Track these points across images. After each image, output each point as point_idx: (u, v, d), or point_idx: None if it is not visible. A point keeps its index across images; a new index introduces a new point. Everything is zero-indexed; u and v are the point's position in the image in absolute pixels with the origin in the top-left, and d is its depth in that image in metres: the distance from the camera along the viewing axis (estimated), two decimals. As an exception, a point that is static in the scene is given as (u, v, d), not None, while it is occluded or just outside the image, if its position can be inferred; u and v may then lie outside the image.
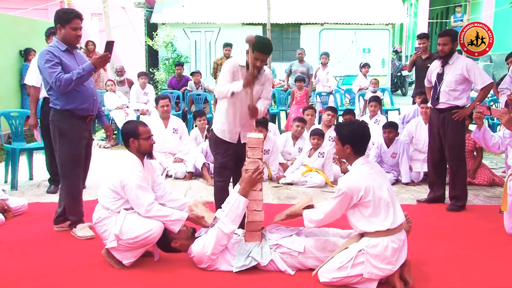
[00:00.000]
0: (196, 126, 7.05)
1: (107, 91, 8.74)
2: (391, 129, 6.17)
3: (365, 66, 10.42)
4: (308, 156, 6.11)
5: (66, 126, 3.95)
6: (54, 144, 4.08)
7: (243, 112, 4.02)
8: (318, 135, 6.10)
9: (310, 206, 3.64)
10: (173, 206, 3.68)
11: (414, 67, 7.84)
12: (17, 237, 4.10)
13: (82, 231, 4.06)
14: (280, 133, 7.35)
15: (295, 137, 6.67)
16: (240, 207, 3.37)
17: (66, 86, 3.78)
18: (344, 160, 5.89)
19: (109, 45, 3.92)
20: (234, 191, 3.61)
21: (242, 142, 4.06)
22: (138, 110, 8.65)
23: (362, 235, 3.22)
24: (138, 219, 3.42)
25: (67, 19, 3.86)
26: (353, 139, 3.27)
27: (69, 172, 4.03)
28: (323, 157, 6.02)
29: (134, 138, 3.55)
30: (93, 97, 4.07)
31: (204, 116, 6.97)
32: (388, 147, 6.16)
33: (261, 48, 3.88)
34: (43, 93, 5.01)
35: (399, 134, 6.28)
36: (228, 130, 4.09)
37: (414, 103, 7.56)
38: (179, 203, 3.77)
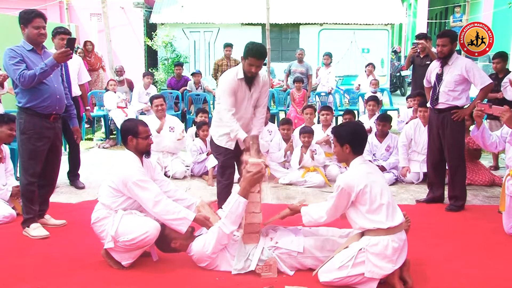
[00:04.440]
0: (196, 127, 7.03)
1: (107, 90, 8.75)
2: (385, 122, 6.22)
3: (368, 65, 10.44)
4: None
5: (26, 123, 4.02)
6: (18, 141, 4.16)
7: (239, 121, 4.07)
8: (308, 132, 6.12)
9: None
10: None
11: (412, 65, 7.84)
12: (16, 237, 4.10)
13: (35, 230, 4.08)
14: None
15: (286, 140, 6.64)
16: (240, 207, 3.37)
17: (30, 81, 3.85)
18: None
19: (70, 42, 4.03)
20: (234, 191, 3.62)
21: (241, 147, 4.15)
22: (142, 109, 8.64)
23: (362, 234, 3.23)
24: (134, 220, 3.42)
25: (29, 19, 3.97)
26: (352, 138, 3.30)
27: (27, 169, 4.06)
28: (316, 153, 6.04)
29: (133, 136, 3.56)
30: (56, 96, 4.10)
31: (206, 114, 7.20)
32: (381, 140, 6.21)
33: (255, 54, 3.90)
34: None
35: (391, 127, 6.36)
36: (224, 140, 4.18)
37: (408, 98, 7.67)
38: (186, 203, 3.74)
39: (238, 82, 4.05)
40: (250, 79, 4.07)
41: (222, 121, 4.08)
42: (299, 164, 6.05)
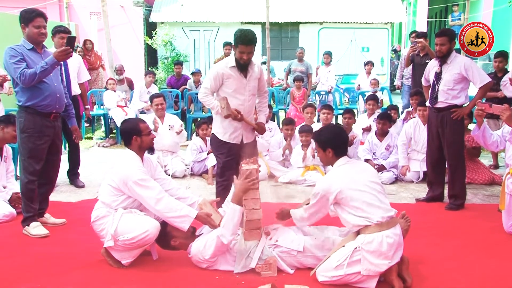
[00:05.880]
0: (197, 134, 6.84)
1: (107, 89, 8.74)
2: (385, 120, 6.22)
3: (368, 64, 10.43)
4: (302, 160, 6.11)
5: (26, 122, 4.05)
6: (17, 139, 4.18)
7: (243, 113, 4.09)
8: (306, 131, 6.13)
9: None
10: None
11: (412, 64, 7.83)
12: (16, 235, 4.11)
13: (35, 229, 4.10)
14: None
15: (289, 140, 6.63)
16: (235, 216, 3.33)
17: (31, 80, 3.88)
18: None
19: (70, 40, 4.04)
20: (227, 200, 3.63)
21: (245, 142, 4.22)
22: (142, 108, 8.63)
23: (358, 233, 3.24)
24: (134, 219, 3.42)
25: (29, 18, 4.00)
26: (333, 142, 3.38)
27: (27, 168, 4.08)
28: (316, 152, 6.05)
29: (137, 135, 3.57)
30: (56, 95, 4.13)
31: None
32: (381, 139, 6.21)
33: (242, 41, 3.94)
34: None
35: (391, 126, 6.36)
36: (231, 133, 4.21)
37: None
38: (188, 201, 3.72)
39: (229, 71, 4.10)
40: (244, 67, 4.10)
41: (203, 102, 4.25)
42: (303, 162, 6.05)
